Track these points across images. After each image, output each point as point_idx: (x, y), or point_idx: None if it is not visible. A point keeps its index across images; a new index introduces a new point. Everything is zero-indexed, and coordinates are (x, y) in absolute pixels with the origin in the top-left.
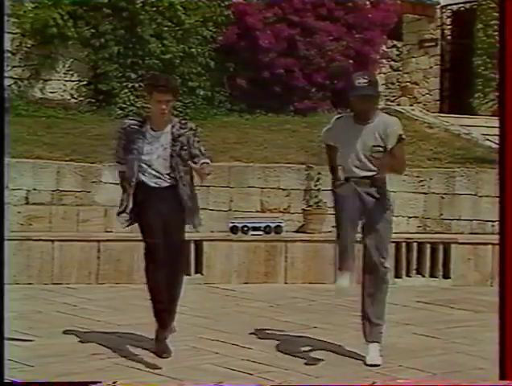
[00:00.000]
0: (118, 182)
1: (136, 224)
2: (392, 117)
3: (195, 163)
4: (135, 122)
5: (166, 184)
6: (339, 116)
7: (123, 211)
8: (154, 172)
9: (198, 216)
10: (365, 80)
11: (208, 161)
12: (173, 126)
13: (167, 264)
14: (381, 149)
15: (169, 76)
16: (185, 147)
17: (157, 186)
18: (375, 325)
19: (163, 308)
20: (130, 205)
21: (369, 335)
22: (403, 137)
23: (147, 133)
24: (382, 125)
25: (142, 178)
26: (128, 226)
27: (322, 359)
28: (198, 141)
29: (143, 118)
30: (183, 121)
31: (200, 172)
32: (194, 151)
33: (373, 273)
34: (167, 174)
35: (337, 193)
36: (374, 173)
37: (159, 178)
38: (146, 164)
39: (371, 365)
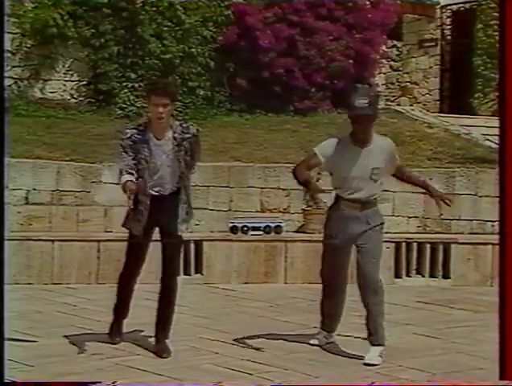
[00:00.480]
0: (129, 193)
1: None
2: (386, 138)
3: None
4: (137, 131)
5: (168, 192)
6: (337, 139)
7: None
8: (159, 180)
9: (188, 222)
10: (366, 101)
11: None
12: (174, 132)
13: (164, 270)
14: (379, 171)
15: (168, 80)
16: (189, 153)
17: (158, 194)
18: (378, 330)
19: (125, 314)
20: (146, 216)
21: (373, 339)
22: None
23: (150, 142)
24: (381, 147)
25: (150, 189)
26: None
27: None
28: (199, 149)
29: (144, 126)
30: (184, 125)
31: None
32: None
33: (369, 289)
34: (173, 182)
35: (329, 243)
36: (368, 195)
37: (162, 186)
38: (152, 173)
39: (367, 364)
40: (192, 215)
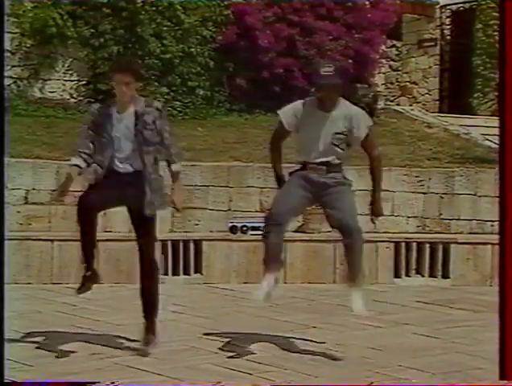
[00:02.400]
0: (69, 175)
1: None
2: (357, 107)
3: (169, 163)
4: (100, 105)
5: (131, 169)
6: (303, 101)
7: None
8: (120, 155)
9: (159, 206)
10: (330, 69)
11: (179, 167)
12: (136, 105)
13: (141, 261)
14: (342, 136)
15: (131, 59)
16: (149, 127)
17: (123, 171)
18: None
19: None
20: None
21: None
22: (371, 126)
23: (113, 116)
24: (348, 114)
25: (112, 164)
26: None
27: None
28: (166, 126)
29: (109, 102)
30: (148, 100)
31: (177, 201)
32: (166, 141)
33: (350, 238)
34: (135, 159)
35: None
36: (331, 159)
37: (124, 161)
38: (114, 148)
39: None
40: (165, 202)
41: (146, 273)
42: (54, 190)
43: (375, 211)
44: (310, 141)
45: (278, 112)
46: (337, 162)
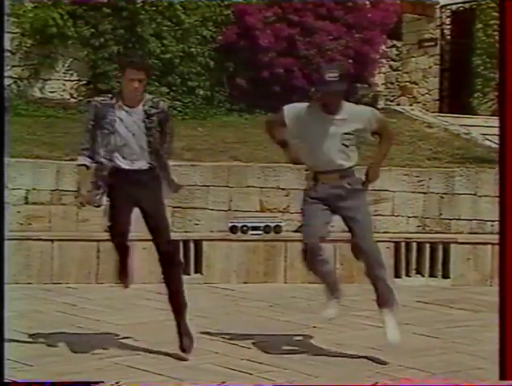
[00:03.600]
0: (80, 173)
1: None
2: (360, 105)
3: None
4: (103, 98)
5: (143, 166)
6: (307, 104)
7: (98, 192)
8: (128, 151)
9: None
10: (335, 74)
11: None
12: (144, 104)
13: (162, 259)
14: (352, 136)
15: (142, 55)
16: (158, 128)
17: (132, 168)
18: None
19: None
20: (104, 187)
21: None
22: (379, 115)
23: (121, 109)
24: (355, 113)
25: (117, 160)
26: (99, 206)
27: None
28: (169, 130)
29: (113, 95)
30: (155, 100)
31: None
32: (165, 144)
33: (367, 258)
34: (144, 157)
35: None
36: (343, 163)
37: (133, 159)
38: (120, 143)
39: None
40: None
41: (175, 274)
42: (54, 190)
43: (371, 175)
44: (318, 146)
45: (284, 107)
46: (349, 164)
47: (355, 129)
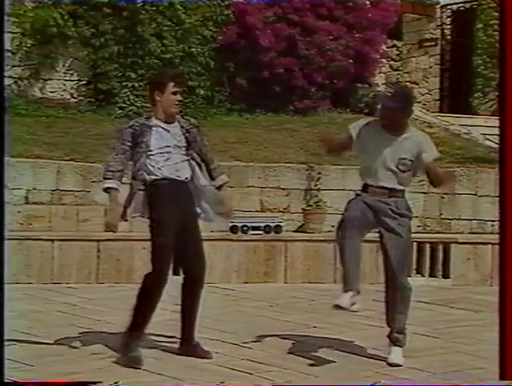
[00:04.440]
0: (110, 201)
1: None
2: (423, 133)
3: (212, 177)
4: (139, 119)
5: (185, 177)
6: (367, 121)
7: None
8: (171, 164)
9: (213, 216)
10: (398, 94)
11: (225, 178)
12: (179, 121)
13: (188, 265)
14: (407, 162)
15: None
16: (195, 140)
17: (176, 178)
18: (398, 331)
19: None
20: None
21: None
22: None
23: (158, 127)
24: (416, 139)
25: (158, 172)
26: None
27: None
28: (206, 142)
29: (148, 115)
30: (185, 117)
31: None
32: (208, 155)
33: (392, 283)
34: (186, 170)
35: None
36: (394, 185)
37: (178, 170)
38: (160, 157)
39: (392, 364)
40: (216, 212)
41: (201, 282)
42: (54, 190)
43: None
44: (375, 163)
45: (349, 126)
46: (400, 187)
47: (412, 155)
